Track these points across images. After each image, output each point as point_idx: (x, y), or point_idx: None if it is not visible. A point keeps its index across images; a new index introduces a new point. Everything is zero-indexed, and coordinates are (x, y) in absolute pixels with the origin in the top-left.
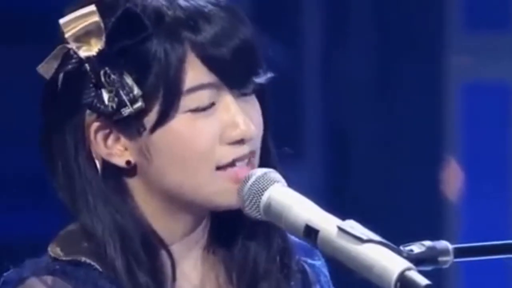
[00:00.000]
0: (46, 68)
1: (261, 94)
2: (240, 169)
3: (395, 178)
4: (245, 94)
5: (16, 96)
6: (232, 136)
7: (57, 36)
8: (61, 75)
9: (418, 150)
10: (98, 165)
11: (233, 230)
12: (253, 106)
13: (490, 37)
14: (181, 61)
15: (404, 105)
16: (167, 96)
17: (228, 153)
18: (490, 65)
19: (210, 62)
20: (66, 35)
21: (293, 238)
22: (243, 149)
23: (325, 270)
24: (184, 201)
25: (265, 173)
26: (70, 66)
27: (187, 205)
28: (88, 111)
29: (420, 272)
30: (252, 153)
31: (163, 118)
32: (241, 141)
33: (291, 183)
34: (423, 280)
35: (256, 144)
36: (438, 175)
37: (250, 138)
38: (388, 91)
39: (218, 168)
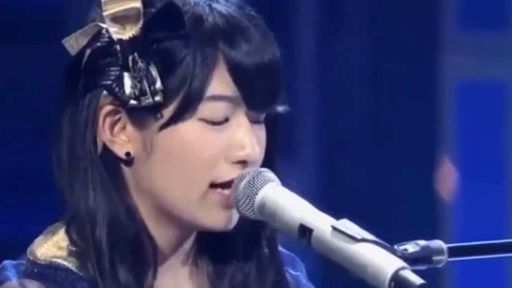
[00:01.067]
0: (71, 43)
1: (275, 123)
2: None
3: (390, 177)
4: (258, 122)
5: (16, 96)
6: (237, 156)
7: (58, 36)
8: (88, 51)
9: (413, 149)
10: (99, 149)
11: (223, 252)
12: (262, 134)
13: (486, 37)
14: (211, 68)
15: (399, 104)
16: (187, 98)
17: (228, 172)
18: (485, 64)
19: (236, 71)
20: (104, 13)
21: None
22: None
23: (305, 281)
24: (169, 212)
25: (260, 173)
26: (99, 44)
27: (174, 220)
28: (104, 93)
29: (415, 271)
30: None
31: (176, 118)
32: (243, 162)
33: (285, 182)
34: (417, 279)
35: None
36: (433, 174)
37: (253, 162)
38: (384, 91)
39: (212, 185)
